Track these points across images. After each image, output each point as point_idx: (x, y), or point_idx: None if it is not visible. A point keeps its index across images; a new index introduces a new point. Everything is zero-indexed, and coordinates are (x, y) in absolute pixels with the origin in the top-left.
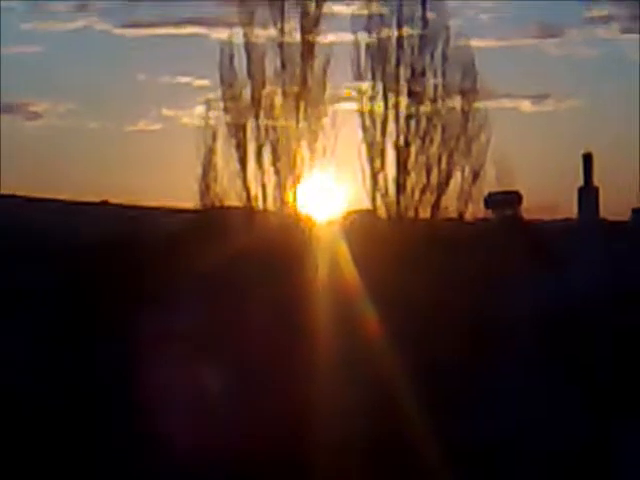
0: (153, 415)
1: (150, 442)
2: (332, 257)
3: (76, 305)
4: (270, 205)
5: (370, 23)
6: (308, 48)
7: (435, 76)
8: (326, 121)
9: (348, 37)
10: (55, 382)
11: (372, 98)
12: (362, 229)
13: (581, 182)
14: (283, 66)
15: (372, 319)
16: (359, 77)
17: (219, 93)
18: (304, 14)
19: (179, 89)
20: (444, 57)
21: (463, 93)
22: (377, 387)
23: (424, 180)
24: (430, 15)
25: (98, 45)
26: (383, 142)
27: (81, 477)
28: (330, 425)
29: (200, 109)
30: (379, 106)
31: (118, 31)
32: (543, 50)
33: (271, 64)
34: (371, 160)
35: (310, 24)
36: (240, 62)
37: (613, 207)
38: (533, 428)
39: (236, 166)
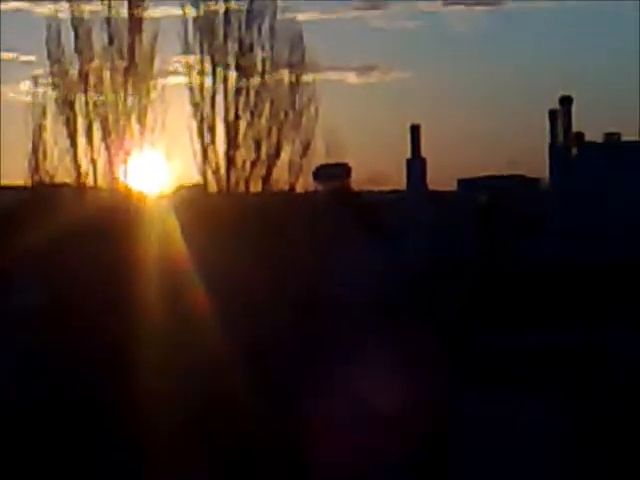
0: None
1: None
2: (162, 232)
3: None
4: (101, 181)
5: None
6: (135, 22)
7: (263, 50)
8: (155, 96)
9: (176, 11)
10: None
11: (201, 72)
12: (192, 204)
13: (409, 154)
14: (111, 41)
15: (201, 295)
16: (187, 51)
17: (46, 69)
18: None
19: (4, 65)
20: (271, 31)
21: (291, 66)
22: (202, 364)
23: (254, 154)
24: None
25: None
26: (213, 116)
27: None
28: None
29: (27, 85)
30: (208, 80)
31: None
32: (367, 22)
33: (98, 39)
34: (201, 134)
35: None
36: (67, 37)
37: (440, 177)
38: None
39: (66, 142)
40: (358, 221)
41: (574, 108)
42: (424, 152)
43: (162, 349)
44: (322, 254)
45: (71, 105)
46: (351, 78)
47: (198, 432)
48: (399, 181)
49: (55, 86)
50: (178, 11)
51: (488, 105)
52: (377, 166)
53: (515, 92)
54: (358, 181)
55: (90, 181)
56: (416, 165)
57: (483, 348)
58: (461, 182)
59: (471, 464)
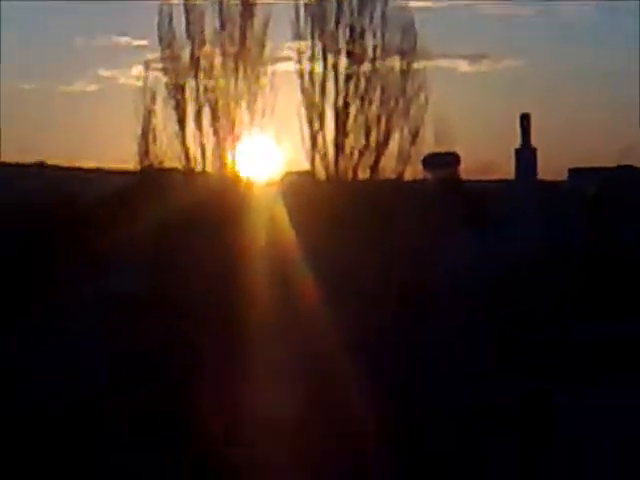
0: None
1: None
2: (270, 219)
3: (27, 272)
4: (209, 166)
5: None
6: (247, 8)
7: (374, 37)
8: (265, 81)
9: None
10: None
11: (311, 58)
12: (300, 190)
13: (519, 143)
14: (222, 26)
15: (309, 281)
16: (298, 37)
17: (157, 54)
18: None
19: (116, 50)
20: (383, 17)
21: (402, 54)
22: (312, 350)
23: (363, 141)
24: None
25: (33, 5)
26: (322, 103)
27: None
28: (266, 388)
29: (138, 70)
30: (318, 66)
31: None
32: (480, 10)
33: (210, 24)
34: (310, 121)
35: None
36: (179, 22)
37: (550, 167)
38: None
39: (175, 127)
40: (467, 210)
41: None
42: (534, 141)
43: (269, 339)
44: (430, 242)
45: (181, 90)
46: (463, 66)
47: (308, 426)
48: (508, 170)
49: (166, 71)
50: None
51: (600, 94)
52: (486, 155)
53: (628, 81)
54: (467, 170)
55: (199, 166)
56: (526, 154)
57: (583, 337)
58: (571, 172)
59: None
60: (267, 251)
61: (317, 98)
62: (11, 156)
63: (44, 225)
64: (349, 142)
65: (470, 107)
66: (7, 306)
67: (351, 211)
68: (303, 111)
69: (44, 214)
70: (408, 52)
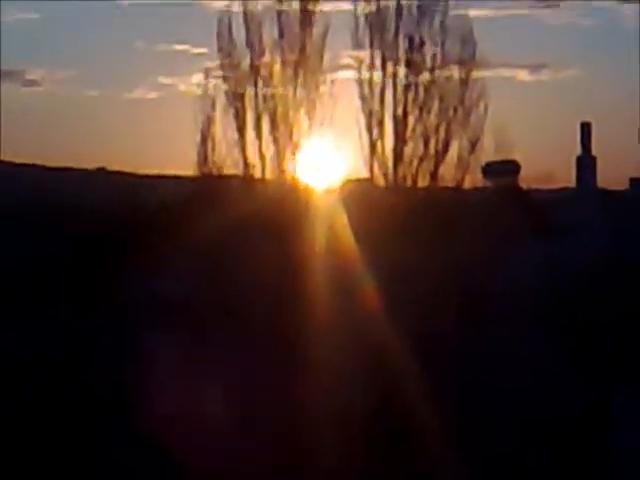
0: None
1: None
2: (330, 226)
3: (87, 278)
4: (268, 174)
5: None
6: (307, 16)
7: (433, 45)
8: (324, 90)
9: (347, 5)
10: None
11: (370, 67)
12: (360, 198)
13: (579, 151)
14: (281, 35)
15: (370, 288)
16: (358, 46)
17: (217, 62)
18: None
19: (176, 57)
20: (442, 26)
21: (461, 63)
22: (373, 356)
23: (422, 149)
24: None
25: (95, 12)
26: (381, 111)
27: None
28: (327, 392)
29: (198, 77)
30: (377, 75)
31: None
32: (540, 19)
33: (269, 33)
34: (369, 129)
35: None
36: (238, 30)
37: (611, 176)
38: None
39: (234, 135)
40: (527, 219)
41: None
42: (595, 151)
43: (330, 346)
44: (491, 251)
45: (241, 98)
46: (522, 75)
47: (368, 435)
48: (569, 179)
49: (225, 79)
50: (349, 6)
51: None
52: (547, 164)
53: None
54: (527, 178)
55: (258, 174)
56: (586, 163)
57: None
58: (633, 181)
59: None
60: (326, 258)
61: (376, 106)
62: (74, 162)
63: (107, 229)
64: (408, 150)
65: (530, 116)
66: (74, 307)
67: (410, 218)
68: (362, 119)
69: (107, 219)
70: (467, 61)
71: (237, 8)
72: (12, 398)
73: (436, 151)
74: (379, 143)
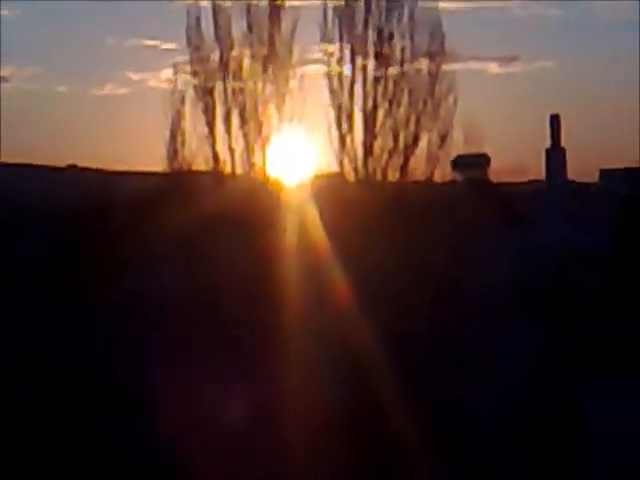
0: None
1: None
2: (301, 221)
3: (57, 274)
4: (238, 169)
5: None
6: (275, 10)
7: (402, 39)
8: (294, 84)
9: None
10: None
11: (340, 61)
12: (330, 192)
13: (548, 144)
14: (250, 29)
15: (340, 283)
16: (326, 39)
17: (186, 56)
18: None
19: (146, 52)
20: (411, 19)
21: (430, 56)
22: (345, 351)
23: (392, 143)
24: None
25: (63, 8)
26: (351, 105)
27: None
28: (303, 392)
29: (167, 72)
30: (346, 69)
31: None
32: (509, 11)
33: (238, 27)
34: (339, 123)
35: None
36: (207, 25)
37: (581, 168)
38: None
39: (204, 130)
40: (496, 211)
41: None
42: (565, 143)
43: (302, 343)
44: (461, 244)
45: (210, 92)
46: (493, 68)
47: (344, 433)
48: (539, 172)
49: (195, 73)
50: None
51: (632, 95)
52: (516, 156)
53: None
54: (497, 171)
55: (228, 169)
56: (555, 155)
57: (605, 339)
58: (603, 173)
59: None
60: (297, 254)
61: (346, 100)
62: (43, 159)
63: (76, 228)
64: (378, 144)
65: (500, 109)
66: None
67: (381, 212)
68: (332, 113)
69: (76, 217)
70: (437, 54)
71: (206, 3)
72: None
73: (406, 145)
74: (349, 137)
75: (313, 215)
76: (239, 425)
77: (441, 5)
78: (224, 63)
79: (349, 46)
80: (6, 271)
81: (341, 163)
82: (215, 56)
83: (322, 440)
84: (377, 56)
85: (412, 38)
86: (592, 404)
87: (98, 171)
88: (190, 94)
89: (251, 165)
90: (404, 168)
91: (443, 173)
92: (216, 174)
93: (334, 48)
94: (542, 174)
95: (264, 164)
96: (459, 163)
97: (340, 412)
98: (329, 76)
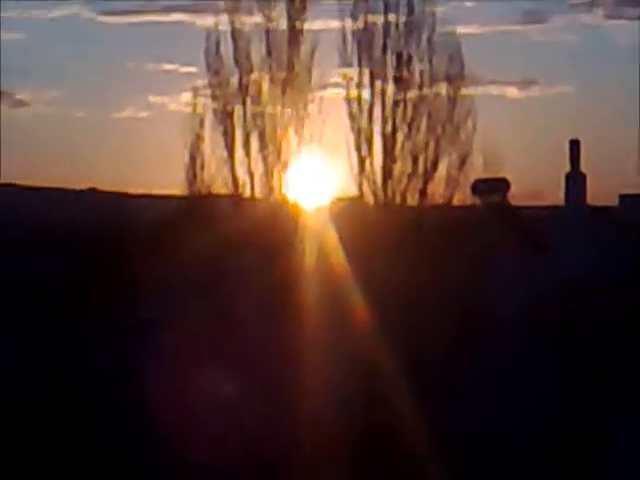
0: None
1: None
2: (320, 244)
3: (78, 297)
4: (257, 192)
5: (356, 9)
6: (294, 34)
7: (421, 62)
8: (313, 108)
9: (334, 23)
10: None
11: (359, 85)
12: (350, 216)
13: (568, 168)
14: (269, 53)
15: (360, 306)
16: (346, 63)
17: (206, 80)
18: (290, 0)
19: (165, 76)
20: (430, 43)
21: (449, 80)
22: (365, 375)
23: (411, 167)
24: (416, 1)
25: (83, 33)
26: (370, 129)
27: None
28: (320, 414)
29: (187, 96)
30: (365, 93)
31: (103, 19)
32: (528, 36)
33: (257, 51)
34: (358, 147)
35: (296, 10)
36: (226, 49)
37: (601, 193)
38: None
39: (223, 153)
40: (516, 236)
41: None
42: (584, 168)
43: (322, 363)
44: (480, 268)
45: (229, 116)
46: (512, 92)
47: (359, 449)
48: (558, 196)
49: (214, 97)
50: (337, 23)
51: None
52: (536, 181)
53: None
54: (516, 196)
55: (247, 192)
56: (575, 180)
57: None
58: (622, 198)
59: None
60: (316, 277)
61: (365, 124)
62: (63, 182)
63: (96, 250)
64: (397, 167)
65: (519, 133)
66: (60, 326)
67: (400, 236)
68: (351, 137)
69: (96, 239)
70: (456, 78)
71: (225, 26)
72: None
73: (425, 168)
74: (368, 161)
75: (332, 238)
76: (261, 443)
77: (460, 29)
78: (243, 87)
79: (368, 70)
80: (27, 293)
81: (360, 186)
82: (234, 80)
83: (341, 460)
84: (396, 80)
85: (431, 62)
86: (615, 432)
87: (118, 194)
88: (209, 117)
89: (270, 188)
90: (423, 192)
91: (462, 197)
92: (235, 197)
93: (353, 72)
94: (560, 199)
95: (283, 187)
96: (478, 188)
97: (353, 430)
98: (348, 100)
